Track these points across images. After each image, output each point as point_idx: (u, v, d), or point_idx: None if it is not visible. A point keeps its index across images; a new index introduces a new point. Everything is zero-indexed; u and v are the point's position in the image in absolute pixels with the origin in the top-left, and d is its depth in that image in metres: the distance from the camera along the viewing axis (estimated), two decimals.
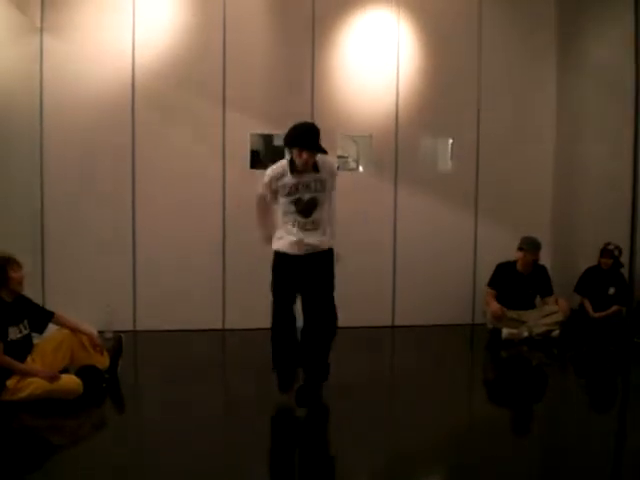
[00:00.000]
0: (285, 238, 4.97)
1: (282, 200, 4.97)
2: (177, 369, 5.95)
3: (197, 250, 7.23)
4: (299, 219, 4.90)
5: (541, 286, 7.38)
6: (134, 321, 7.15)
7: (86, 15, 6.94)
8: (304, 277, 4.97)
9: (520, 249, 7.28)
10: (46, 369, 4.93)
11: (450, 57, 7.60)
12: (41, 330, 5.31)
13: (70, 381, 4.92)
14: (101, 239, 7.05)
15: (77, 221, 7.01)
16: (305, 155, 4.80)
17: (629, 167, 7.72)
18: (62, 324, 5.32)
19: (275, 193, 5.00)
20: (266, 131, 7.31)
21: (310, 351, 5.01)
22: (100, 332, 6.50)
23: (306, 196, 4.88)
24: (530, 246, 7.27)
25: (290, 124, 7.22)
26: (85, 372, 5.10)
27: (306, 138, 4.84)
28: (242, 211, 7.25)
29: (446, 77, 7.59)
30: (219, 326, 7.31)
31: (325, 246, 4.98)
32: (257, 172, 7.25)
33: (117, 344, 5.56)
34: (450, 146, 7.72)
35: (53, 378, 4.84)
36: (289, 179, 4.90)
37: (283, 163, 4.99)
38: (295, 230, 4.91)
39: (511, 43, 7.73)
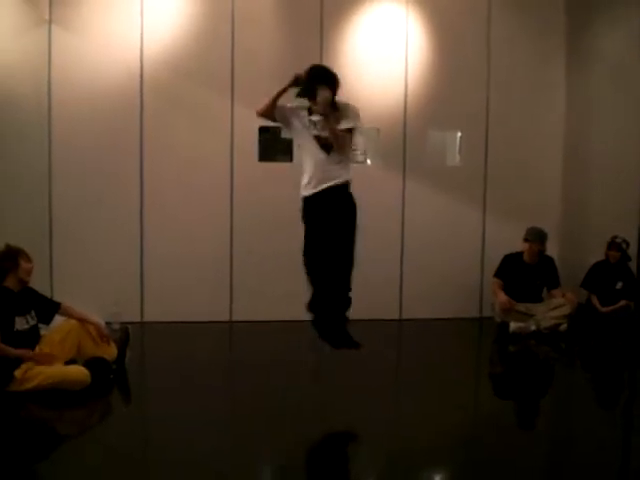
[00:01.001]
0: (308, 180, 4.88)
1: (301, 140, 4.95)
2: (184, 361, 5.96)
3: (205, 242, 7.24)
4: (320, 156, 4.81)
5: (548, 278, 7.36)
6: (142, 313, 7.17)
7: (94, 7, 6.94)
8: (329, 217, 4.88)
9: (525, 240, 7.26)
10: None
11: (459, 52, 7.58)
12: (48, 321, 5.33)
13: (78, 372, 4.94)
14: (109, 231, 7.06)
15: (85, 213, 7.02)
16: (326, 93, 4.70)
17: (638, 161, 7.69)
18: (69, 315, 5.34)
19: (286, 118, 4.98)
20: (274, 124, 7.28)
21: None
22: (107, 323, 6.52)
23: (322, 133, 4.80)
24: (535, 236, 7.24)
25: None
26: (93, 363, 5.11)
27: (328, 74, 4.84)
28: (250, 203, 7.28)
29: (455, 72, 7.56)
30: (226, 318, 7.32)
31: (343, 179, 4.87)
32: (265, 165, 7.29)
33: (124, 335, 5.57)
34: (458, 139, 7.70)
35: (48, 359, 4.87)
36: (306, 116, 4.89)
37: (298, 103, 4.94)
38: (317, 169, 4.83)
39: (520, 39, 7.69)
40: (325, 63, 7.21)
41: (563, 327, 7.07)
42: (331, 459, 4.11)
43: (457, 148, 7.74)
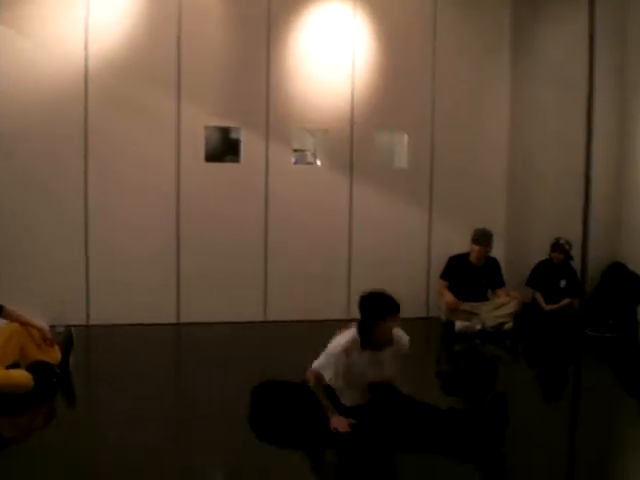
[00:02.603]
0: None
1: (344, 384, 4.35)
2: (130, 364, 5.89)
3: (151, 243, 7.17)
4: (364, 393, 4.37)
5: (493, 278, 7.48)
6: (87, 315, 7.06)
7: (39, 6, 6.81)
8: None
9: (475, 242, 7.36)
10: None
11: (405, 53, 7.64)
12: None
13: (20, 376, 4.84)
14: (53, 233, 6.94)
15: (28, 215, 6.88)
16: (395, 323, 4.29)
17: (581, 162, 7.86)
18: (11, 318, 5.22)
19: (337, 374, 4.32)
20: (221, 124, 7.28)
21: None
22: (52, 326, 6.41)
23: (376, 375, 4.35)
24: (485, 239, 7.35)
25: (245, 116, 7.28)
26: (36, 367, 5.02)
27: (395, 302, 4.30)
28: (196, 204, 7.24)
29: (401, 73, 7.61)
30: (173, 320, 7.26)
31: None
32: (211, 165, 7.24)
33: (68, 338, 5.48)
34: (406, 141, 7.76)
35: None
36: (359, 357, 4.33)
37: (350, 340, 4.32)
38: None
39: (466, 41, 7.78)
40: (272, 64, 7.30)
41: (508, 326, 7.19)
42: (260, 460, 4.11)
43: (404, 149, 7.79)
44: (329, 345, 4.35)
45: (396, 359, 4.43)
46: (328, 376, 4.28)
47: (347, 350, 4.28)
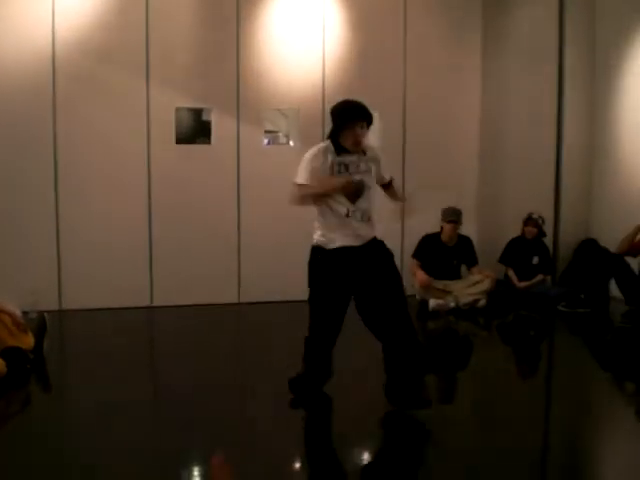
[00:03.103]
0: (328, 234, 4.40)
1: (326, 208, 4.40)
2: (103, 348, 5.85)
3: (123, 226, 7.12)
4: (347, 205, 4.34)
5: (466, 256, 7.52)
6: (59, 300, 7.01)
7: None
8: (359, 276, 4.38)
9: (448, 221, 7.37)
10: None
11: (376, 31, 7.61)
12: None
13: None
14: (23, 218, 6.86)
15: None
16: (361, 130, 4.33)
17: (553, 139, 7.92)
18: None
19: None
20: (192, 105, 7.22)
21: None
22: (25, 312, 6.35)
23: (355, 177, 4.34)
24: (453, 215, 7.36)
25: (216, 98, 7.23)
26: (9, 353, 4.98)
27: (364, 110, 4.38)
28: (168, 187, 7.19)
29: (372, 51, 7.59)
30: (146, 303, 7.23)
31: (371, 236, 4.45)
32: (182, 147, 7.19)
33: (41, 323, 5.44)
34: (377, 119, 7.72)
35: None
36: (334, 158, 4.35)
37: (322, 145, 4.42)
38: (340, 222, 4.36)
39: (436, 18, 7.77)
40: (242, 44, 7.24)
41: (481, 303, 7.24)
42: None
43: (377, 128, 7.75)
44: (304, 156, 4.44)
45: (374, 164, 4.49)
46: (303, 178, 4.35)
47: (320, 151, 4.37)
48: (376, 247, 4.47)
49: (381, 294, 4.33)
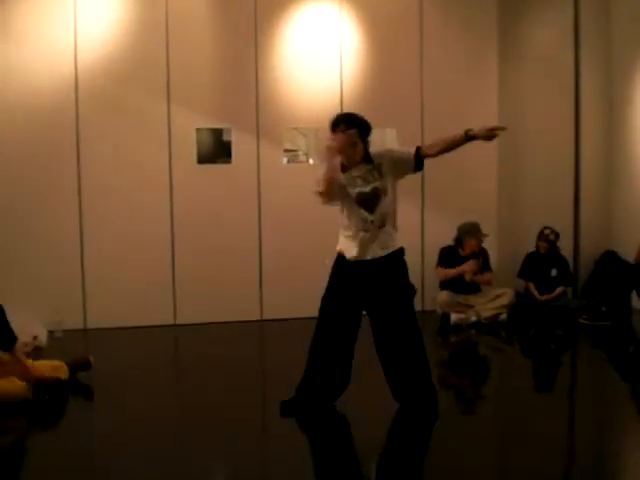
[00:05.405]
0: (348, 243, 4.51)
1: (342, 204, 4.52)
2: (129, 367, 5.89)
3: (146, 246, 7.20)
4: (363, 216, 4.44)
5: (483, 266, 7.52)
6: (84, 319, 7.10)
7: (27, 12, 6.85)
8: (370, 290, 4.48)
9: (467, 235, 7.34)
10: None
11: (392, 48, 7.66)
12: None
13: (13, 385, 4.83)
14: (48, 239, 6.97)
15: (21, 223, 6.92)
16: (342, 135, 4.42)
17: (571, 152, 7.95)
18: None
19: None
20: (213, 125, 7.31)
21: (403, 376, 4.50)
22: (50, 332, 6.47)
23: (366, 188, 4.46)
24: (475, 230, 7.34)
25: (236, 118, 7.33)
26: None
27: (342, 116, 4.60)
28: (190, 206, 7.28)
29: (389, 68, 7.63)
30: (171, 322, 7.30)
31: (393, 248, 4.50)
32: (203, 167, 7.28)
33: (84, 363, 5.45)
34: (396, 136, 7.77)
35: None
36: (341, 178, 4.45)
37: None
38: (359, 233, 4.45)
39: (453, 34, 7.78)
40: (260, 65, 7.35)
41: (503, 317, 7.25)
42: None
43: (395, 146, 7.77)
44: None
45: (393, 170, 4.55)
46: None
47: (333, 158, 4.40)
48: (389, 265, 4.48)
49: (390, 330, 4.43)
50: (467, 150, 7.81)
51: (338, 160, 4.42)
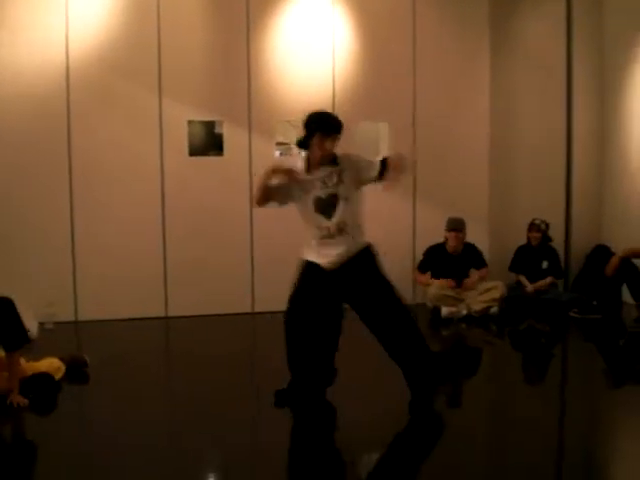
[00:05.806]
0: (310, 250, 4.53)
1: (299, 206, 4.53)
2: (120, 359, 5.87)
3: (137, 238, 7.20)
4: (322, 222, 4.43)
5: (474, 262, 7.55)
6: (75, 311, 7.09)
7: (18, 1, 6.82)
8: (345, 291, 4.49)
9: (448, 229, 7.42)
10: None
11: (385, 41, 7.66)
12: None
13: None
14: (39, 230, 6.95)
15: (12, 213, 6.90)
16: (329, 143, 4.38)
17: (563, 147, 7.97)
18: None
19: (286, 190, 4.49)
20: (204, 118, 7.30)
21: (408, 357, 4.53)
22: (41, 323, 6.46)
23: (323, 194, 4.41)
24: (456, 224, 7.40)
25: (227, 110, 7.32)
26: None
27: (332, 121, 4.44)
28: (181, 198, 7.26)
29: (382, 62, 7.63)
30: (162, 314, 7.29)
31: (356, 249, 4.47)
32: (195, 159, 7.27)
33: (81, 361, 5.43)
34: (387, 130, 7.78)
35: None
36: (301, 179, 4.45)
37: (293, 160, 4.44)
38: (318, 240, 4.45)
39: (445, 27, 7.79)
40: (252, 57, 7.33)
41: (494, 310, 7.27)
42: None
43: (387, 139, 7.80)
44: None
45: (347, 171, 4.44)
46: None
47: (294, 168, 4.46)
48: (358, 265, 4.46)
49: (377, 312, 4.47)
50: (459, 144, 7.93)
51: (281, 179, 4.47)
